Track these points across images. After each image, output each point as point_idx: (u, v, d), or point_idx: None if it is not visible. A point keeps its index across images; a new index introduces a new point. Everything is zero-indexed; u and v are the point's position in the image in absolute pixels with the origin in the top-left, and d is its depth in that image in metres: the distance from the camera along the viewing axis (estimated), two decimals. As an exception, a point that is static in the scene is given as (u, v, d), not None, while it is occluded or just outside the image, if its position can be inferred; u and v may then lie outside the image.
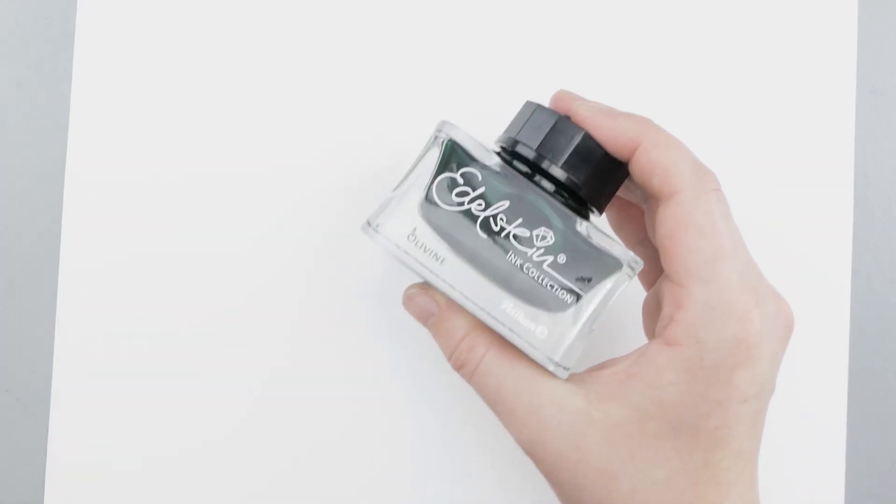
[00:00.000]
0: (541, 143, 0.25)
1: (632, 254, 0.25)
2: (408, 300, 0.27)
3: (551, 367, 0.25)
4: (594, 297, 0.25)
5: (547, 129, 0.25)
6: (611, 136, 0.25)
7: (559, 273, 0.25)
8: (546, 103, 0.27)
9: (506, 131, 0.27)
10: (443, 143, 0.25)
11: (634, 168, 0.25)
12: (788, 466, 0.33)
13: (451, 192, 0.25)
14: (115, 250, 0.34)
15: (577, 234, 0.25)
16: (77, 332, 0.34)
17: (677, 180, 0.24)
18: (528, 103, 0.27)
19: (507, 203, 0.25)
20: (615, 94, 0.34)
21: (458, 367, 0.26)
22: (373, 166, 0.34)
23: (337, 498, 0.34)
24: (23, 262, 0.34)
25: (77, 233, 0.34)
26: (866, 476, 0.34)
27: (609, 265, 0.25)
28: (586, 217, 0.26)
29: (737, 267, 0.23)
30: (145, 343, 0.34)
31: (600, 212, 0.27)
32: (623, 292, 0.25)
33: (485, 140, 0.27)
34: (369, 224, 0.26)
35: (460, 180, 0.25)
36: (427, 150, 0.26)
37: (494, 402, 0.25)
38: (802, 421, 0.34)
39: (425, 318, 0.27)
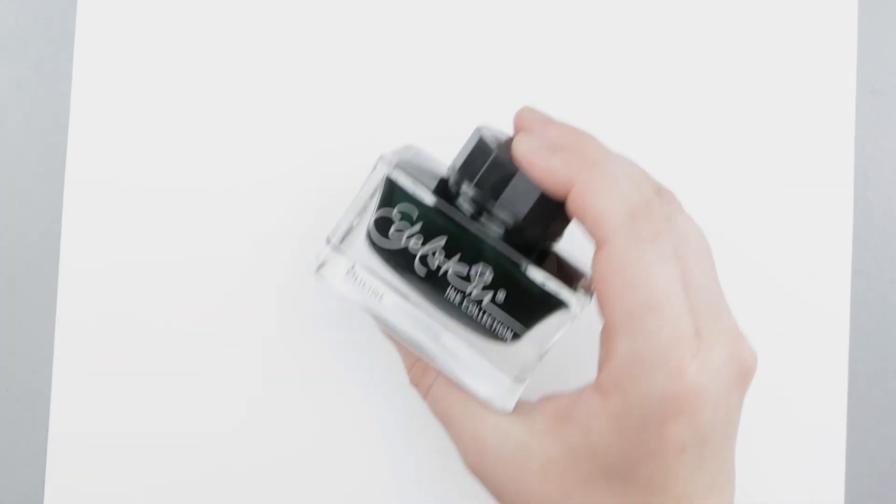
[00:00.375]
0: (477, 181, 0.25)
1: (580, 292, 0.24)
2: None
3: (490, 404, 0.25)
4: (535, 335, 0.25)
5: (483, 167, 0.25)
6: (543, 179, 0.24)
7: (498, 310, 0.25)
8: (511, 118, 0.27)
9: (453, 161, 0.26)
10: (381, 177, 0.25)
11: (570, 211, 0.24)
12: (788, 466, 0.33)
13: (388, 228, 0.25)
14: (115, 250, 0.34)
15: (518, 271, 0.24)
16: (77, 332, 0.34)
17: (606, 229, 0.23)
18: (475, 131, 0.26)
19: (443, 241, 0.24)
20: (615, 94, 0.34)
21: (414, 386, 0.27)
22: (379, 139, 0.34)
23: (337, 498, 0.34)
24: (23, 262, 0.34)
25: (77, 233, 0.34)
26: (866, 476, 0.34)
27: (551, 303, 0.24)
28: (530, 253, 0.25)
29: (669, 319, 0.22)
30: (145, 343, 0.34)
31: (548, 247, 0.26)
32: (575, 325, 0.25)
33: (447, 158, 0.27)
34: (314, 265, 0.26)
35: (396, 218, 0.25)
36: (366, 182, 0.25)
37: (443, 425, 0.26)
38: (802, 421, 0.34)
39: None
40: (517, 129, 0.26)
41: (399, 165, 0.25)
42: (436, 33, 0.34)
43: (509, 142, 0.26)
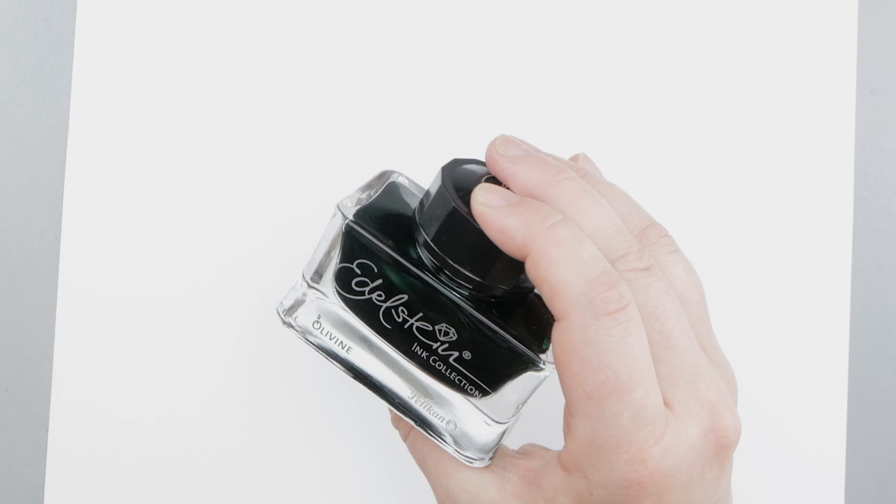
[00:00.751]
0: (435, 236, 0.23)
1: (548, 351, 0.23)
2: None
3: (461, 460, 0.24)
4: (505, 394, 0.23)
5: (441, 221, 0.23)
6: (500, 240, 0.22)
7: (465, 369, 0.23)
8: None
9: (420, 202, 0.24)
10: (339, 227, 0.23)
11: (528, 276, 0.22)
12: (788, 466, 0.33)
13: (350, 281, 0.23)
14: (115, 250, 0.34)
15: (483, 331, 0.23)
16: (77, 332, 0.34)
17: (562, 303, 0.21)
18: (437, 174, 0.24)
19: (405, 297, 0.23)
20: (615, 94, 0.34)
21: (395, 427, 0.27)
22: (375, 159, 0.34)
23: (339, 497, 0.34)
24: (23, 262, 0.34)
25: (77, 233, 0.34)
26: (866, 476, 0.34)
27: (520, 363, 0.23)
28: (496, 309, 0.23)
29: (630, 402, 0.20)
30: (145, 343, 0.34)
31: (524, 297, 0.25)
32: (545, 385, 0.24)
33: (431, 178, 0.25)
34: (280, 312, 0.25)
35: (357, 271, 0.23)
36: (326, 231, 0.24)
37: (423, 472, 0.26)
38: (802, 421, 0.34)
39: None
40: (488, 166, 0.24)
41: (357, 215, 0.23)
42: (424, 44, 0.34)
43: (478, 182, 0.23)
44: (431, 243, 0.23)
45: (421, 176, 0.28)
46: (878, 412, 0.34)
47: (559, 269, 0.21)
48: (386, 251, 0.23)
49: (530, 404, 0.25)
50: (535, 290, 0.24)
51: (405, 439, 0.26)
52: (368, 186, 0.25)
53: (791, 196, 0.34)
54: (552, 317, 0.22)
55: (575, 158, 0.26)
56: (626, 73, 0.34)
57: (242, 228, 0.34)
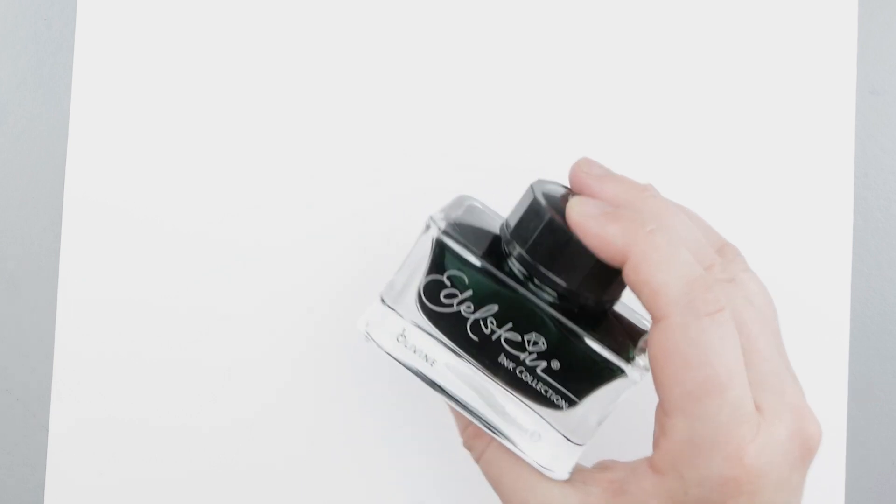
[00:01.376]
0: (530, 246, 0.23)
1: (640, 356, 0.24)
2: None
3: (545, 473, 0.24)
4: (592, 402, 0.24)
5: (536, 231, 0.23)
6: (598, 246, 0.23)
7: (553, 379, 0.24)
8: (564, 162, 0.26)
9: (506, 218, 0.25)
10: (432, 240, 0.24)
11: (626, 281, 0.23)
12: (788, 466, 0.33)
13: (439, 293, 0.24)
14: (115, 250, 0.34)
15: (573, 339, 0.23)
16: (77, 332, 0.34)
17: (663, 303, 0.22)
18: (529, 189, 0.25)
19: (495, 307, 0.23)
20: (615, 95, 0.34)
21: (467, 449, 0.26)
22: (375, 170, 0.34)
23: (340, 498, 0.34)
24: (23, 262, 0.34)
25: (77, 233, 0.34)
26: (866, 476, 0.34)
27: (609, 371, 0.23)
28: (585, 319, 0.24)
29: (729, 400, 0.21)
30: (145, 343, 0.34)
31: (605, 312, 0.25)
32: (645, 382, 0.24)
33: (502, 200, 0.26)
34: (363, 325, 0.25)
35: (448, 283, 0.24)
36: (416, 246, 0.24)
37: (496, 490, 0.25)
38: (802, 421, 0.34)
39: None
40: (573, 185, 0.25)
41: (449, 228, 0.24)
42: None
43: (564, 199, 0.24)
44: (525, 253, 0.23)
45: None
46: (878, 412, 0.34)
47: (660, 271, 0.22)
48: (479, 261, 0.23)
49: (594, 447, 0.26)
50: (614, 308, 0.25)
51: (478, 459, 0.26)
52: (451, 207, 0.26)
53: (791, 196, 0.34)
54: (637, 331, 0.23)
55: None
56: (626, 74, 0.34)
57: (242, 228, 0.34)
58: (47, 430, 0.34)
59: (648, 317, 0.23)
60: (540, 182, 0.25)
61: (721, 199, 0.34)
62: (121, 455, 0.34)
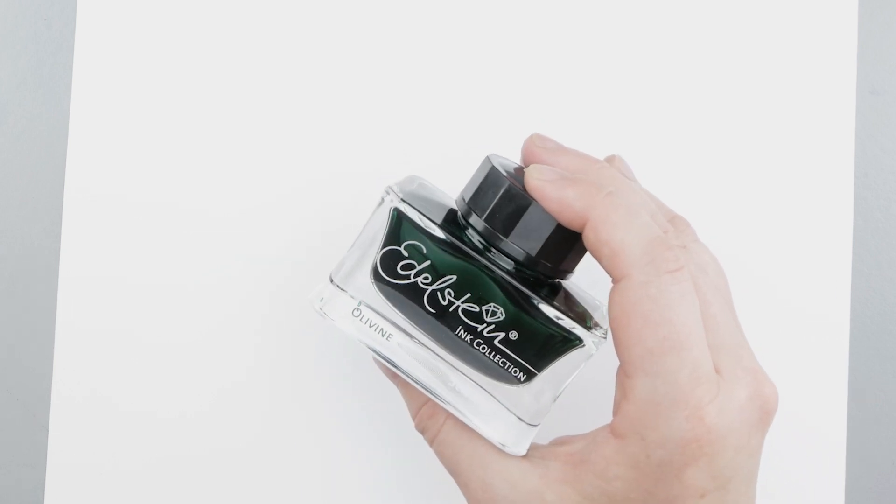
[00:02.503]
0: (488, 213, 0.23)
1: (596, 328, 0.24)
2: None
3: (503, 448, 0.24)
4: (549, 375, 0.24)
5: (495, 199, 0.23)
6: (558, 210, 0.23)
7: (511, 350, 0.23)
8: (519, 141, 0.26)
9: (461, 193, 0.25)
10: (389, 211, 0.24)
11: (586, 244, 0.23)
12: (788, 466, 0.33)
13: (396, 265, 0.24)
14: (115, 250, 0.34)
15: (531, 309, 0.23)
16: (77, 332, 0.34)
17: (624, 262, 0.22)
18: (485, 161, 0.25)
19: (454, 278, 0.23)
20: (615, 94, 0.34)
21: (420, 432, 0.26)
22: (375, 165, 0.34)
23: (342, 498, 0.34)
24: (23, 262, 0.34)
25: (77, 233, 0.34)
26: (866, 476, 0.34)
27: (566, 342, 0.23)
28: (543, 289, 0.24)
29: (688, 359, 0.21)
30: (145, 343, 0.34)
31: (562, 279, 0.25)
32: (593, 361, 0.24)
33: (450, 186, 0.26)
34: (317, 303, 0.25)
35: (405, 253, 0.23)
36: (372, 217, 0.24)
37: (451, 472, 0.25)
38: (802, 421, 0.34)
39: (392, 377, 0.27)
40: (526, 159, 0.25)
41: (406, 198, 0.24)
42: (436, 56, 0.34)
43: (519, 171, 0.25)
44: (484, 221, 0.23)
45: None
46: (878, 412, 0.34)
47: (620, 231, 0.22)
48: (438, 230, 0.23)
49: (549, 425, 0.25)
50: (568, 289, 0.26)
51: (432, 441, 0.26)
52: (404, 183, 0.26)
53: (791, 196, 0.34)
54: (592, 305, 0.24)
55: (610, 159, 0.27)
56: (626, 75, 0.34)
57: (242, 227, 0.34)
58: (47, 431, 0.34)
59: (601, 299, 0.23)
60: (493, 156, 0.25)
61: (721, 199, 0.34)
62: (121, 455, 0.34)
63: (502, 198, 0.23)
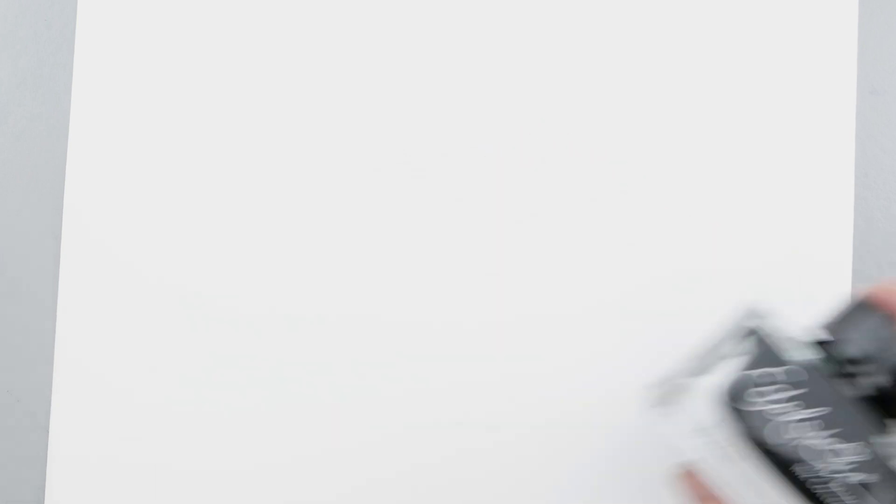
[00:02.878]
0: (867, 349, 0.23)
1: None
2: (684, 476, 0.25)
3: None
4: None
5: (877, 338, 0.23)
6: None
7: (869, 495, 0.22)
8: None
9: (823, 328, 0.24)
10: (751, 335, 0.23)
11: None
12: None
13: (758, 390, 0.23)
14: (115, 250, 0.34)
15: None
16: (77, 332, 0.34)
17: None
18: (858, 304, 0.24)
19: (824, 410, 0.22)
20: (615, 94, 0.34)
21: None
22: (376, 165, 0.34)
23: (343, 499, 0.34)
24: (23, 262, 0.34)
25: (77, 233, 0.34)
26: (866, 476, 0.34)
27: None
28: None
29: None
30: (145, 344, 0.34)
31: None
32: None
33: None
34: (662, 399, 0.24)
35: (769, 380, 0.23)
36: (730, 338, 0.23)
37: None
38: (802, 421, 0.34)
39: (703, 500, 0.25)
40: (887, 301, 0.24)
41: (767, 322, 0.23)
42: (435, 56, 0.34)
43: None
44: (863, 356, 0.23)
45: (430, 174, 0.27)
46: (879, 412, 0.34)
47: None
48: (805, 357, 0.23)
49: None
50: None
51: None
52: (751, 314, 0.25)
53: (791, 196, 0.34)
54: None
55: None
56: (626, 75, 0.34)
57: (242, 227, 0.34)
58: (47, 430, 0.34)
59: None
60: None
61: (721, 199, 0.34)
62: (121, 455, 0.34)
63: (883, 338, 0.23)
